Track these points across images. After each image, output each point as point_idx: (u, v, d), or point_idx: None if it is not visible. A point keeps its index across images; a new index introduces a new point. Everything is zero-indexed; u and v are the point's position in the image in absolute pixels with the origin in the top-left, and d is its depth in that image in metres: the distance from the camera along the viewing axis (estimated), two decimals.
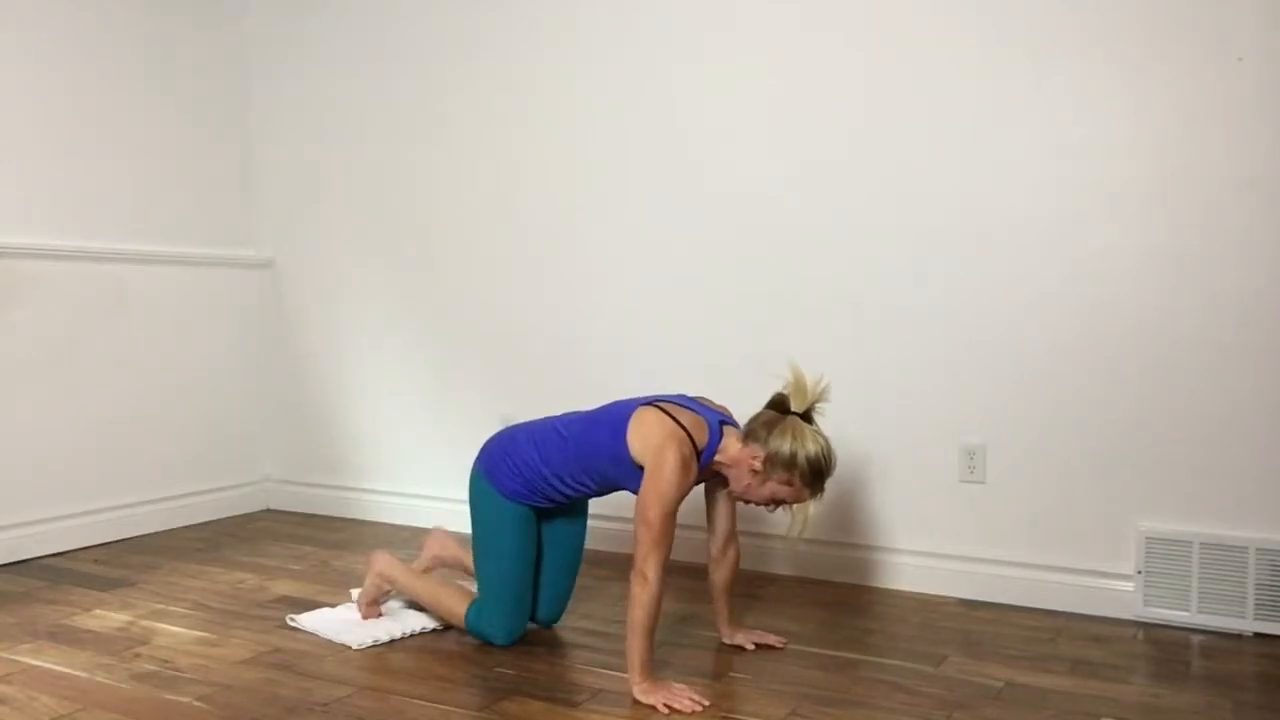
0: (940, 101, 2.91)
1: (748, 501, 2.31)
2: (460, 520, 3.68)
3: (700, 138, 3.26)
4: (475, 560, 2.51)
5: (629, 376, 3.35)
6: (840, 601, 2.91)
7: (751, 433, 2.26)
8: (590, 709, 2.13)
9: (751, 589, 2.98)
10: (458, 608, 2.53)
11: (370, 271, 3.90)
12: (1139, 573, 2.71)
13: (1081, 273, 2.76)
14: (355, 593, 2.83)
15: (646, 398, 2.37)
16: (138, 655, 2.45)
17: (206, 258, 3.92)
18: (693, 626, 2.66)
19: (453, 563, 2.84)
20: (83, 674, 2.33)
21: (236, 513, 4.04)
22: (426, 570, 2.81)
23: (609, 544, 3.36)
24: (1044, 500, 2.85)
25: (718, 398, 2.50)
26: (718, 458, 2.29)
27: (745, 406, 2.38)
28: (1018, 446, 2.87)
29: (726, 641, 2.53)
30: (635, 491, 2.25)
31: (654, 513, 2.15)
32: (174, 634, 2.60)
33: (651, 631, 2.16)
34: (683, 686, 2.17)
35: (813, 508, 2.27)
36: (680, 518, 2.27)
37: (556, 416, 2.51)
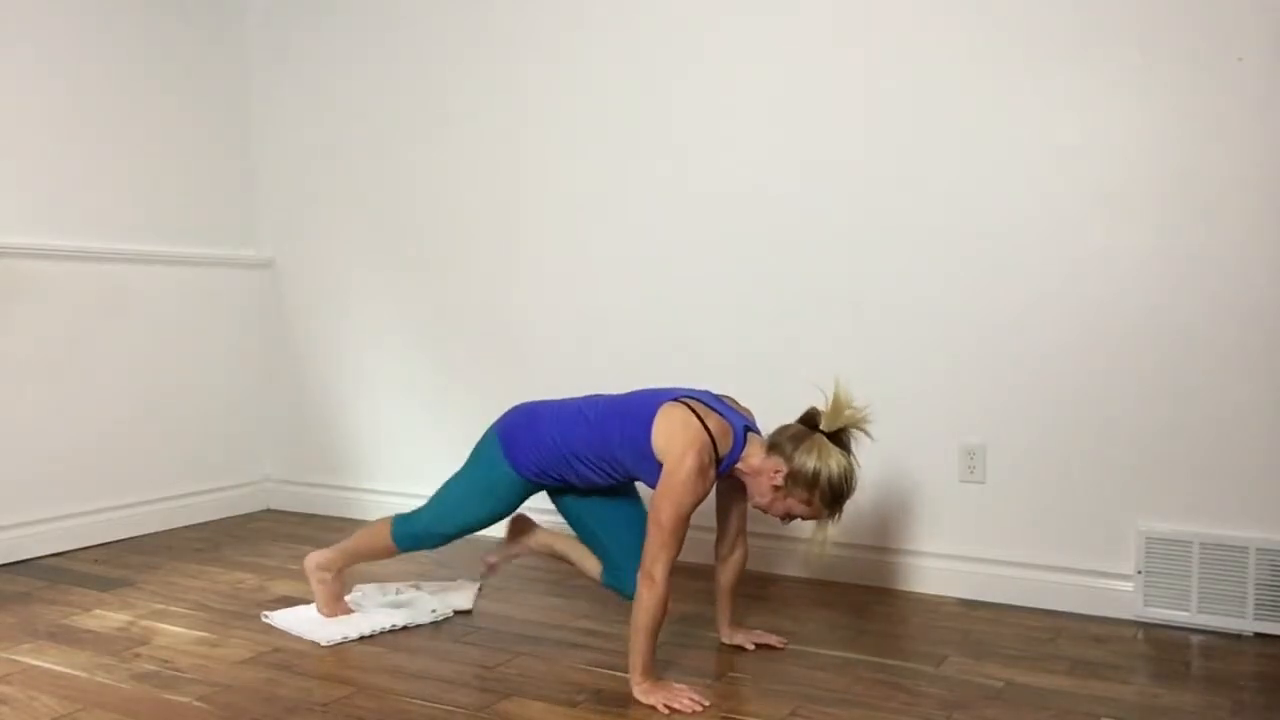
0: (940, 102, 2.91)
1: (763, 511, 2.29)
2: None
3: (700, 138, 3.26)
4: (446, 485, 2.52)
5: (630, 376, 3.34)
6: (840, 601, 2.91)
7: (776, 445, 2.22)
8: (590, 709, 2.13)
9: (752, 589, 2.98)
10: (382, 527, 2.57)
11: (370, 271, 3.90)
12: (1139, 573, 2.71)
13: (1082, 272, 2.76)
14: (360, 590, 2.84)
15: (675, 391, 2.32)
16: (138, 655, 2.45)
17: (206, 258, 3.92)
18: (693, 626, 2.66)
19: (540, 550, 2.75)
20: (83, 674, 2.33)
21: (236, 513, 4.04)
22: (513, 556, 2.79)
23: None
24: (1044, 500, 2.85)
25: None
26: (739, 465, 2.26)
27: (746, 407, 2.38)
28: (1018, 446, 2.87)
29: (726, 641, 2.52)
30: (651, 485, 2.24)
31: (666, 515, 2.13)
32: (174, 634, 2.60)
33: (655, 633, 2.16)
34: (683, 686, 2.17)
35: (831, 529, 2.25)
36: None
37: (581, 398, 2.48)
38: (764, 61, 3.14)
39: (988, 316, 2.88)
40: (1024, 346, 2.84)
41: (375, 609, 2.72)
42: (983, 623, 2.72)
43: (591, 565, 2.60)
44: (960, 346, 2.92)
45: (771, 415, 2.34)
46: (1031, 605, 2.85)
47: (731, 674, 2.34)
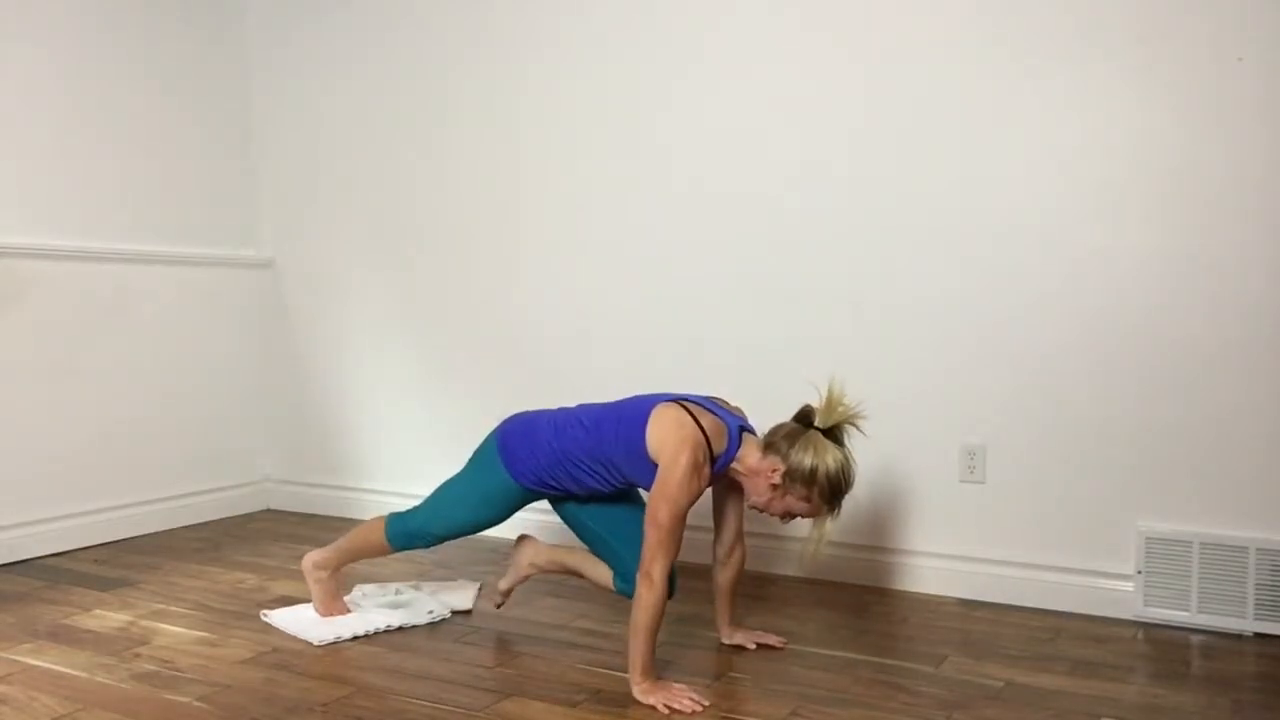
0: (940, 102, 2.91)
1: (761, 511, 2.29)
2: None
3: (700, 138, 3.26)
4: (444, 486, 2.53)
5: (629, 376, 3.34)
6: (840, 601, 2.91)
7: (772, 444, 2.23)
8: (590, 709, 2.13)
9: (752, 589, 2.98)
10: (376, 525, 2.57)
11: (370, 271, 3.90)
12: (1139, 573, 2.71)
13: (1082, 273, 2.76)
14: (361, 590, 2.84)
15: (668, 395, 2.34)
16: (138, 655, 2.45)
17: (206, 258, 3.92)
18: (693, 626, 2.66)
19: (550, 567, 2.67)
20: (83, 674, 2.33)
21: (236, 513, 4.04)
22: (523, 579, 2.71)
23: None
24: (1044, 500, 2.85)
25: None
26: (735, 465, 2.27)
27: (744, 408, 2.38)
28: (1018, 446, 2.87)
29: (726, 642, 2.53)
30: (646, 487, 2.24)
31: (663, 514, 2.13)
32: (174, 634, 2.60)
33: (654, 633, 2.16)
34: (683, 687, 2.17)
35: (829, 525, 2.25)
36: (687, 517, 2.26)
37: (577, 407, 2.49)
38: (764, 61, 3.14)
39: (988, 316, 2.88)
40: (1024, 346, 2.84)
41: (373, 609, 2.72)
42: (983, 623, 2.72)
43: (603, 574, 2.53)
44: (960, 346, 2.92)
45: (772, 415, 2.34)
46: (1031, 605, 2.85)
47: (731, 674, 2.34)
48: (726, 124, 3.21)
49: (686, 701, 2.11)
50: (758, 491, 2.26)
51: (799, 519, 2.30)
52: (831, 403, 2.21)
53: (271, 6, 4.04)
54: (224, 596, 2.93)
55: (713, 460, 2.22)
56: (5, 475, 3.30)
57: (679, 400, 2.28)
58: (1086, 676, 2.33)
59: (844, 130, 3.04)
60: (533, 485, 2.42)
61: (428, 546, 2.56)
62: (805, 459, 2.17)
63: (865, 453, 3.04)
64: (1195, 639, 2.60)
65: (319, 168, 3.99)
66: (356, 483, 3.99)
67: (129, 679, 2.30)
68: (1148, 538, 2.70)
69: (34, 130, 3.38)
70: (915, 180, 2.95)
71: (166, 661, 2.41)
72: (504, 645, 2.52)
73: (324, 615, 2.66)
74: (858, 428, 2.25)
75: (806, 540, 2.30)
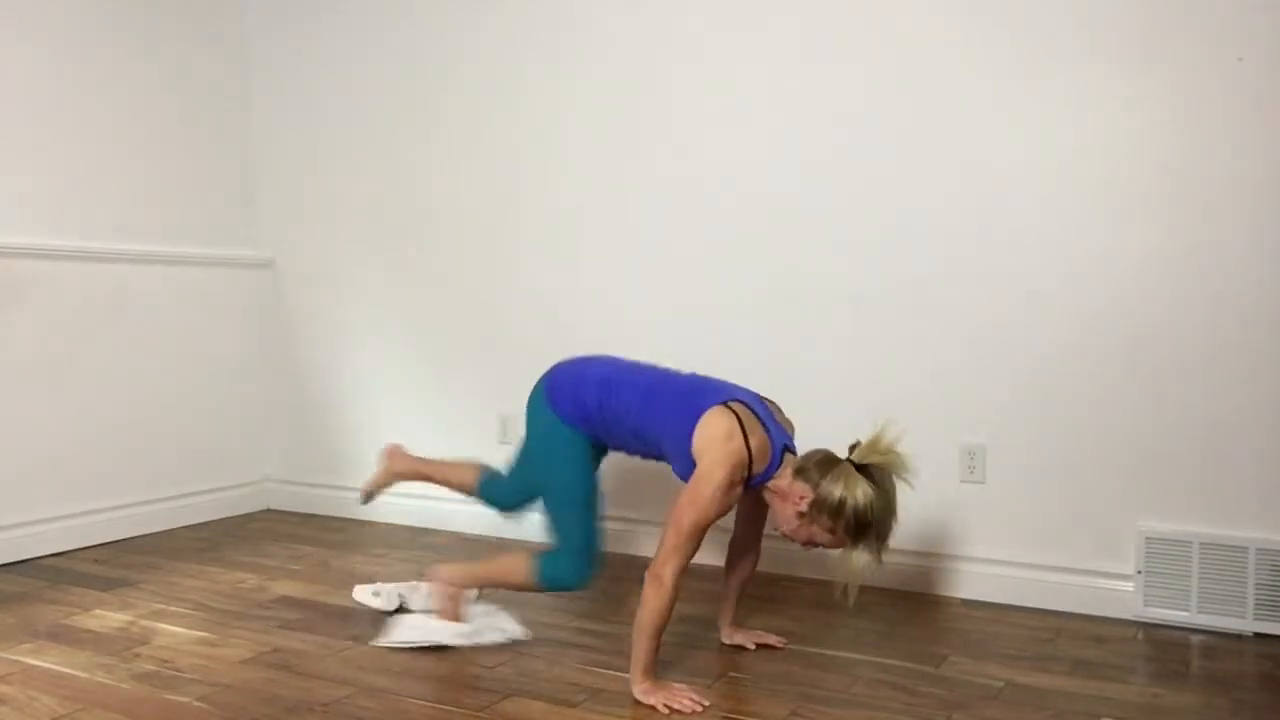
0: (940, 102, 2.91)
1: (784, 536, 2.24)
2: (468, 523, 3.69)
3: (700, 138, 3.26)
4: (551, 511, 2.40)
5: None
6: (840, 601, 2.91)
7: (804, 470, 2.17)
8: (590, 709, 2.13)
9: (753, 589, 2.97)
10: (521, 565, 2.42)
11: (370, 271, 3.90)
12: (1139, 573, 2.71)
13: (1082, 273, 2.76)
14: (361, 590, 2.82)
15: (728, 390, 2.26)
16: (138, 655, 2.45)
17: (206, 258, 3.92)
18: (693, 626, 2.66)
19: (410, 475, 2.81)
20: (83, 674, 2.33)
21: (236, 513, 4.04)
22: (385, 485, 2.84)
23: (611, 544, 3.35)
24: (1044, 500, 2.85)
25: None
26: (768, 485, 2.23)
27: (789, 419, 2.35)
28: (1018, 446, 2.87)
29: (727, 641, 2.53)
30: (678, 474, 2.22)
31: (687, 520, 2.11)
32: (174, 634, 2.60)
33: (658, 634, 2.16)
34: (683, 687, 2.17)
35: (858, 561, 2.15)
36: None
37: (638, 369, 2.40)
38: (764, 62, 3.14)
39: (988, 317, 2.88)
40: (1024, 346, 2.84)
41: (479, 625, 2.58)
42: (983, 623, 2.72)
43: (464, 476, 2.65)
44: (960, 347, 2.92)
45: None
46: (1031, 605, 2.85)
47: (732, 674, 2.34)
48: (726, 124, 3.21)
49: (687, 701, 2.11)
50: (784, 516, 2.20)
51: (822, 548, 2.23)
52: (874, 444, 2.14)
53: (271, 6, 4.04)
54: (224, 596, 2.93)
55: (749, 479, 2.18)
56: (5, 475, 3.30)
57: (736, 401, 2.22)
58: (1086, 676, 2.33)
59: (844, 130, 3.04)
60: (581, 428, 2.38)
61: (578, 587, 2.43)
62: (835, 490, 2.11)
63: None
64: (1195, 639, 2.60)
65: (318, 167, 3.99)
66: (356, 483, 3.97)
67: (129, 679, 2.30)
68: (1148, 538, 2.70)
69: (34, 130, 3.38)
70: (915, 180, 2.95)
71: (166, 661, 2.41)
72: (504, 645, 2.52)
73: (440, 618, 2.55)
74: (901, 477, 2.16)
75: (836, 571, 2.21)
